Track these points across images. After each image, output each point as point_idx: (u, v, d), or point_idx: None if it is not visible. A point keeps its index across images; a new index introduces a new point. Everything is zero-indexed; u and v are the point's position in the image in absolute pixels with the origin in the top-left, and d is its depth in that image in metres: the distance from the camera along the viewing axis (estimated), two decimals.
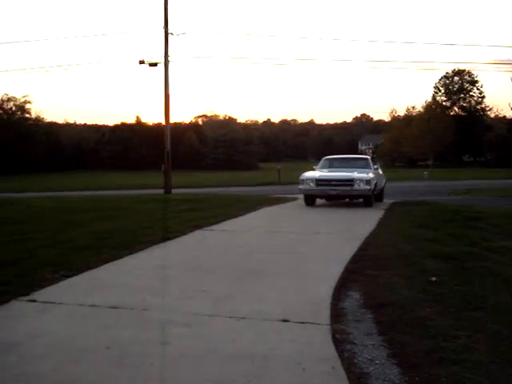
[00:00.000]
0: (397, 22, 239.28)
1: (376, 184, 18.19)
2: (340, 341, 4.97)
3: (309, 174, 18.79)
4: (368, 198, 17.88)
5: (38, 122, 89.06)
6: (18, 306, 6.14)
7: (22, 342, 4.95)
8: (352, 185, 17.55)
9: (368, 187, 17.45)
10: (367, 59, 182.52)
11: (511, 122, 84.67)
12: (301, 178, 18.36)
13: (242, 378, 4.13)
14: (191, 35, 72.14)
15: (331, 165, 20.08)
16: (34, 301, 6.27)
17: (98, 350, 4.72)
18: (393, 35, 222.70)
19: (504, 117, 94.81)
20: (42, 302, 6.22)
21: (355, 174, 17.84)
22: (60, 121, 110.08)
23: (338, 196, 18.26)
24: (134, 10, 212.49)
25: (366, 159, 20.67)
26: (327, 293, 6.59)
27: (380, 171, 20.69)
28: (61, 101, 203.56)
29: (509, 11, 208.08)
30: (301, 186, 18.27)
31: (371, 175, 18.04)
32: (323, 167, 19.92)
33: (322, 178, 18.03)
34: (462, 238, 10.61)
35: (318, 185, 17.88)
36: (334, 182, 17.80)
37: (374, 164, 20.08)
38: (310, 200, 18.46)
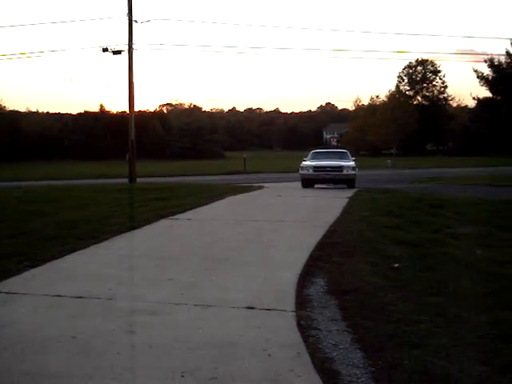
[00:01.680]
0: (362, 12, 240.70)
1: (355, 169, 22.58)
2: (305, 327, 5.04)
3: (307, 162, 23.28)
4: (352, 181, 22.19)
5: None
6: None
7: None
8: (341, 170, 22.06)
9: (353, 172, 22.24)
10: (332, 48, 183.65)
11: (473, 111, 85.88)
12: (301, 165, 23.08)
13: (209, 365, 4.16)
14: (156, 23, 71.59)
15: (318, 156, 24.19)
16: None
17: (63, 339, 4.70)
18: (357, 25, 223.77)
19: (466, 106, 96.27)
20: (6, 293, 6.15)
21: (343, 163, 22.52)
22: (22, 109, 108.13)
23: (330, 179, 22.44)
24: None
25: (346, 152, 25.29)
26: (292, 280, 6.65)
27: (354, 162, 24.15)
28: (23, 89, 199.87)
29: (471, 1, 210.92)
30: (301, 172, 22.80)
31: (354, 163, 22.72)
32: (312, 158, 24.09)
33: (318, 165, 22.52)
34: (424, 225, 10.80)
35: (315, 171, 22.35)
36: (328, 168, 22.23)
37: (352, 156, 24.58)
38: (306, 183, 22.68)
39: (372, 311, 5.42)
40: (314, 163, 22.83)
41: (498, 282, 6.52)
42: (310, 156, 24.70)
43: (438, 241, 9.19)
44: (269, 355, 4.36)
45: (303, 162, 23.46)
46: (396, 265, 7.34)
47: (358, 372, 4.12)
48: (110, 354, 4.40)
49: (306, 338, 4.76)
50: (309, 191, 21.46)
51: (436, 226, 10.67)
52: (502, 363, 4.22)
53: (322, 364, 4.23)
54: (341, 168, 22.06)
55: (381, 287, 6.28)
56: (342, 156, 24.22)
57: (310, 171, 22.45)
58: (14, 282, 6.65)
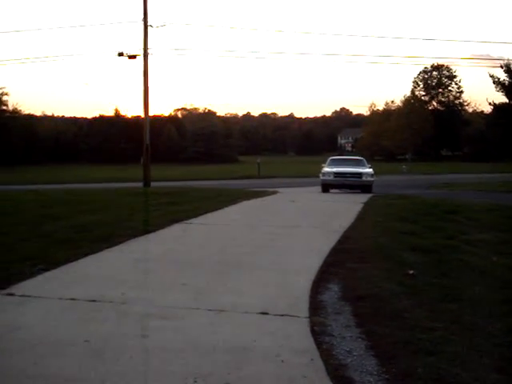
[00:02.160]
0: (377, 18, 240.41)
1: (373, 176, 23.92)
2: (318, 333, 5.01)
3: (327, 169, 24.41)
4: (370, 187, 23.15)
5: (15, 114, 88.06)
6: None
7: (0, 335, 4.92)
8: (360, 177, 23.42)
9: (371, 179, 23.48)
10: (347, 53, 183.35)
11: (489, 116, 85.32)
12: (322, 171, 24.24)
13: (222, 371, 4.14)
14: (171, 27, 71.99)
15: (336, 163, 25.44)
16: (12, 294, 6.22)
17: (76, 343, 4.71)
18: (373, 30, 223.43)
19: (482, 111, 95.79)
20: (20, 296, 6.17)
21: (362, 169, 23.89)
22: (38, 113, 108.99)
23: (350, 185, 23.55)
24: (113, 2, 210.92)
25: (362, 160, 26.47)
26: (306, 286, 6.63)
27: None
28: (38, 93, 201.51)
29: (486, 7, 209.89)
30: (322, 178, 23.92)
31: (372, 170, 24.01)
32: (331, 165, 25.22)
33: (338, 171, 23.69)
34: (439, 231, 10.73)
35: (335, 176, 23.53)
36: (347, 175, 23.55)
37: (368, 163, 25.73)
38: (326, 188, 23.79)
39: (386, 318, 5.38)
40: (334, 169, 23.99)
41: None
42: (328, 162, 25.92)
43: (453, 247, 9.12)
44: (282, 361, 4.33)
45: (324, 169, 24.62)
46: (411, 271, 7.28)
47: (371, 379, 4.08)
48: (123, 358, 4.39)
49: (319, 344, 4.74)
50: (323, 196, 21.42)
51: (451, 232, 10.59)
52: None
53: (336, 371, 4.20)
54: (360, 175, 23.47)
55: (395, 294, 6.24)
56: (358, 163, 25.60)
57: (331, 177, 23.65)
58: (28, 285, 6.67)
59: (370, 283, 6.71)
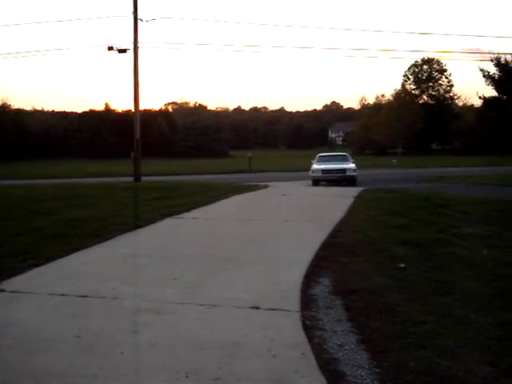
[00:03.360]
0: (369, 12, 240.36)
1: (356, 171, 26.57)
2: (310, 327, 5.02)
3: (316, 166, 27.15)
4: (354, 181, 25.79)
5: (4, 109, 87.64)
6: None
7: None
8: (344, 172, 26.07)
9: (354, 173, 26.10)
10: (338, 47, 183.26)
11: (479, 110, 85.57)
12: (312, 168, 27.00)
13: (214, 365, 4.14)
14: (161, 21, 71.58)
15: (324, 160, 28.42)
16: (3, 290, 6.20)
17: (67, 339, 4.69)
18: (365, 24, 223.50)
19: (472, 105, 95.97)
20: (11, 292, 6.15)
21: (345, 165, 26.71)
22: (27, 108, 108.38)
23: (336, 180, 25.89)
24: None
25: (346, 155, 29.90)
26: (297, 280, 6.63)
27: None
28: (28, 88, 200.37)
29: (477, 0, 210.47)
30: (312, 174, 26.59)
31: (354, 165, 26.79)
32: (319, 161, 28.12)
33: (325, 168, 26.52)
34: (430, 225, 10.75)
35: (323, 173, 26.28)
36: (333, 171, 26.20)
37: (352, 158, 28.94)
38: (316, 183, 26.18)
39: (378, 312, 5.38)
40: (322, 167, 26.79)
41: (505, 283, 6.48)
42: (316, 159, 28.84)
43: (444, 241, 9.13)
44: (273, 356, 4.33)
45: (313, 166, 27.34)
46: (402, 265, 7.30)
47: (363, 373, 4.09)
48: (114, 354, 4.38)
49: (311, 338, 4.74)
50: (314, 190, 21.47)
51: (442, 226, 10.61)
52: (508, 364, 4.18)
53: (327, 365, 4.20)
54: (344, 170, 26.22)
55: (386, 287, 6.25)
56: (343, 159, 28.78)
57: (319, 173, 26.42)
58: (19, 281, 6.65)
59: (361, 277, 6.72)
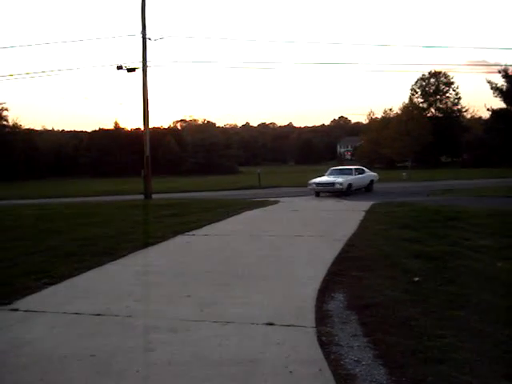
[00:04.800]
0: (375, 26, 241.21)
1: (351, 184, 29.98)
2: (326, 343, 4.99)
3: (313, 180, 30.41)
4: (341, 192, 29.10)
5: (15, 129, 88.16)
6: (0, 315, 6.07)
7: (6, 351, 4.90)
8: (333, 185, 29.47)
9: (341, 186, 29.17)
10: (345, 62, 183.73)
11: (487, 122, 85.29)
12: (309, 182, 30.28)
13: (230, 383, 4.12)
14: (169, 40, 71.95)
15: (332, 172, 32.24)
16: (17, 310, 6.21)
17: (82, 357, 4.69)
18: (370, 38, 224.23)
19: (480, 117, 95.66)
20: (25, 311, 6.16)
21: (334, 179, 30.01)
22: (38, 127, 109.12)
23: (327, 191, 29.87)
24: (112, 16, 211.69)
25: (351, 169, 32.63)
26: (311, 295, 6.60)
27: (363, 174, 32.40)
28: (38, 108, 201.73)
29: (482, 13, 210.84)
30: (309, 187, 30.06)
31: (345, 179, 29.82)
32: (328, 174, 32.01)
33: (319, 182, 30.23)
34: (443, 238, 10.70)
35: (317, 185, 29.89)
36: (324, 184, 30.05)
37: (360, 171, 32.53)
38: (316, 194, 29.82)
39: (393, 326, 5.35)
40: (317, 180, 30.49)
41: None
42: (327, 172, 32.78)
43: (457, 253, 9.08)
44: (290, 372, 4.31)
45: (312, 180, 30.56)
46: (416, 278, 7.26)
47: None
48: (129, 372, 4.37)
49: (327, 354, 4.71)
50: (325, 205, 21.40)
51: (454, 239, 10.56)
52: None
53: (345, 381, 4.17)
54: (332, 183, 29.68)
55: (401, 301, 6.21)
56: (346, 172, 31.81)
57: (314, 186, 29.99)
58: (33, 300, 6.66)
59: (375, 291, 6.68)
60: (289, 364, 4.45)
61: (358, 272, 7.83)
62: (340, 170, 33.78)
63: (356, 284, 7.17)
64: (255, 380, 4.19)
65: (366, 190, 32.08)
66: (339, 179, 29.91)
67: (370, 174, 33.50)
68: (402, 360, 4.50)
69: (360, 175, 32.06)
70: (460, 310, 5.85)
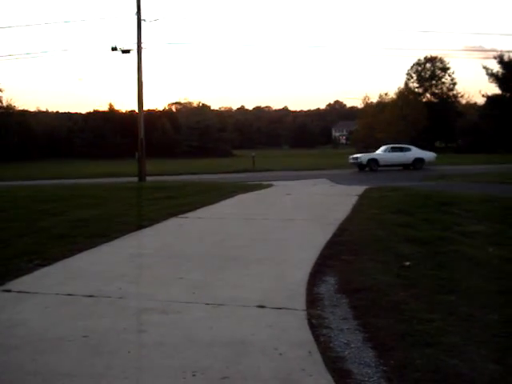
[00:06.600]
0: (371, 10, 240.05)
1: (377, 159, 36.86)
2: (316, 326, 5.03)
3: (357, 155, 38.76)
4: (364, 166, 36.46)
5: (9, 110, 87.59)
6: None
7: None
8: (357, 159, 36.96)
9: (361, 160, 36.49)
10: (341, 46, 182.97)
11: (482, 108, 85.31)
12: (354, 156, 38.42)
13: (220, 364, 4.15)
14: (164, 21, 71.45)
15: (381, 149, 39.49)
16: (9, 291, 6.23)
17: (74, 338, 4.71)
18: (366, 22, 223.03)
19: (475, 103, 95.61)
20: (17, 292, 6.18)
21: (362, 155, 38.17)
22: (32, 109, 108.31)
23: (354, 164, 37.19)
24: None
25: (388, 147, 39.02)
26: (303, 278, 6.64)
27: (403, 152, 38.10)
28: (32, 89, 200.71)
29: None
30: (351, 161, 37.59)
31: (369, 155, 38.26)
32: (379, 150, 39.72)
33: (354, 156, 37.92)
34: (435, 223, 10.75)
35: (352, 159, 37.57)
36: (355, 158, 37.67)
37: (401, 149, 38.88)
38: (360, 167, 36.80)
39: (383, 310, 5.39)
40: (354, 155, 38.78)
41: (511, 280, 6.49)
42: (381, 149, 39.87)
43: (449, 239, 9.13)
44: (280, 354, 4.35)
45: (357, 154, 39.33)
46: (407, 263, 7.30)
47: (369, 371, 4.10)
48: (121, 353, 4.40)
49: (317, 336, 4.75)
50: (318, 189, 21.42)
51: (447, 224, 10.61)
52: None
53: (334, 363, 4.21)
54: (358, 157, 37.21)
55: (392, 285, 6.26)
56: (387, 150, 38.49)
57: (351, 160, 37.68)
58: (25, 281, 6.68)
59: (366, 275, 6.73)
60: (279, 346, 4.49)
61: (349, 256, 7.88)
62: (391, 147, 39.05)
63: (347, 268, 7.21)
64: (245, 361, 4.23)
65: (414, 168, 36.65)
66: (364, 156, 37.48)
67: (415, 152, 38.47)
68: (390, 343, 4.54)
69: (396, 153, 37.57)
70: (450, 295, 5.89)
